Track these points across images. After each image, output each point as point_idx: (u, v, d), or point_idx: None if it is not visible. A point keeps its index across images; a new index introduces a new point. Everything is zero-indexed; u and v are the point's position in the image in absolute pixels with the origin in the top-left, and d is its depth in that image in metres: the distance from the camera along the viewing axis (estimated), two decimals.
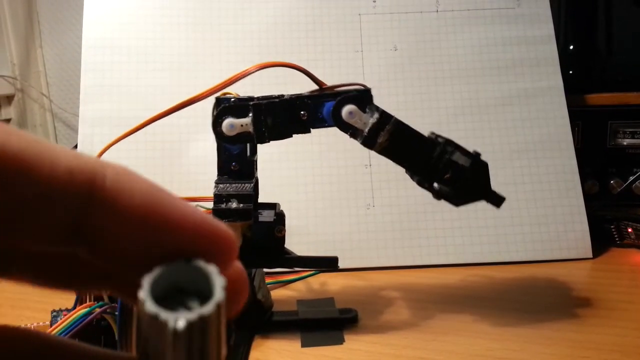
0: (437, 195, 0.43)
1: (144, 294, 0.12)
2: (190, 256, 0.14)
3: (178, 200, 0.14)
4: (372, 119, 0.42)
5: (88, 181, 0.13)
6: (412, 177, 0.45)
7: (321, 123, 0.43)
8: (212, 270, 0.13)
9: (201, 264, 0.13)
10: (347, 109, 0.42)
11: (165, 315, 0.12)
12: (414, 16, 0.65)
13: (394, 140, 0.42)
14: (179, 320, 0.12)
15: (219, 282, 0.13)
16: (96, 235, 0.14)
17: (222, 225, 0.14)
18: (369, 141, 0.42)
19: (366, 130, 0.42)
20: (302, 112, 0.42)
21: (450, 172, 0.42)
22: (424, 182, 0.44)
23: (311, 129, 0.43)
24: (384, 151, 0.43)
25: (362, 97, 0.42)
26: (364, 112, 0.42)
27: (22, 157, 0.13)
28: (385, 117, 0.42)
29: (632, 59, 0.70)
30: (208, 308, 0.12)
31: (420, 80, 0.63)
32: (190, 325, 0.12)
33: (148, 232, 0.14)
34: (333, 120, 0.42)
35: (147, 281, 0.13)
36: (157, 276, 0.13)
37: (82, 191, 0.13)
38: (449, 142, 0.43)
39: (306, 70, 0.44)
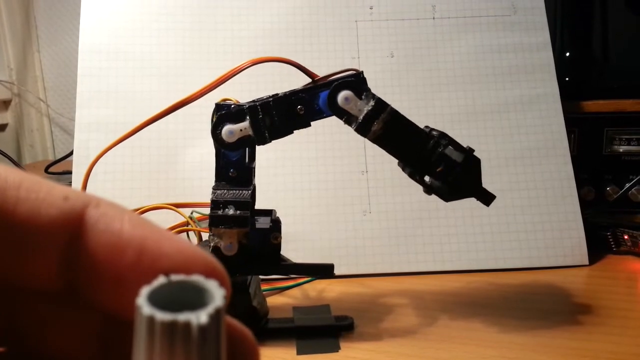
0: (428, 189, 0.43)
1: (147, 309, 0.12)
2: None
3: (167, 231, 0.15)
4: (368, 107, 0.42)
5: (82, 206, 0.14)
6: (403, 169, 0.45)
7: (319, 114, 0.43)
8: (198, 278, 0.13)
9: (185, 277, 0.13)
10: (342, 95, 0.42)
11: (183, 316, 0.12)
12: (411, 23, 0.65)
13: (388, 129, 0.42)
14: (201, 315, 0.12)
15: (213, 284, 0.13)
16: (89, 264, 0.14)
17: (213, 258, 0.14)
18: (362, 128, 0.42)
19: (361, 117, 0.42)
20: (298, 107, 0.42)
21: (442, 165, 0.42)
22: (415, 174, 0.44)
23: (310, 123, 0.43)
24: (378, 140, 0.42)
25: (356, 81, 0.42)
26: (360, 98, 0.42)
27: (21, 185, 0.13)
28: (381, 105, 0.42)
29: (628, 66, 0.71)
30: (218, 301, 0.13)
31: (417, 87, 0.63)
32: (211, 318, 0.12)
33: (141, 259, 0.14)
34: (329, 106, 0.42)
35: (143, 297, 0.13)
36: (148, 294, 0.13)
37: (77, 214, 0.14)
38: (443, 136, 0.43)
39: (297, 63, 0.44)
